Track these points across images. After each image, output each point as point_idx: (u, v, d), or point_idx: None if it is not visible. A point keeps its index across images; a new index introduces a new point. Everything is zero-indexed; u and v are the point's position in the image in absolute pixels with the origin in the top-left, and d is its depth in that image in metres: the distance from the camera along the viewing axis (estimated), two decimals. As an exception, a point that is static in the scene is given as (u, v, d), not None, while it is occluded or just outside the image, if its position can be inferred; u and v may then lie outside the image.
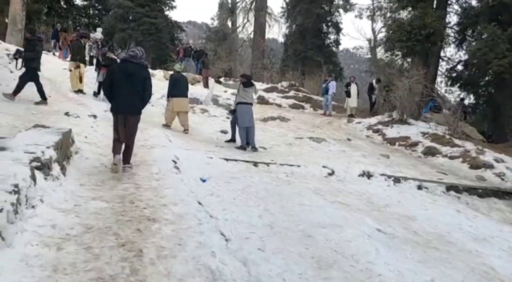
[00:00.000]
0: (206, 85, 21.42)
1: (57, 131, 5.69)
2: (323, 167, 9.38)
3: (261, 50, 29.11)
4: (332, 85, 18.78)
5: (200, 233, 3.86)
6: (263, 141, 11.53)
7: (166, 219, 4.08)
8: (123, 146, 6.35)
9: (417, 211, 7.82)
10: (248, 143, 10.14)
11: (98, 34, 23.40)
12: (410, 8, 19.99)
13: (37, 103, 9.53)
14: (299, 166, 9.14)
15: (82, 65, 12.67)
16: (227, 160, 8.49)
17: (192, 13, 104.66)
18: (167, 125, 11.41)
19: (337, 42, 29.63)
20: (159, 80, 18.77)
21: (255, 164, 8.72)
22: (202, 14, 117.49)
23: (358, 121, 17.09)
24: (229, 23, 36.46)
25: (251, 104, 10.42)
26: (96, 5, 35.65)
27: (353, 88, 18.53)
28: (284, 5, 31.05)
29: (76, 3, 34.75)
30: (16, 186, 3.46)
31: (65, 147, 5.61)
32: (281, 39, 36.79)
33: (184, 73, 24.69)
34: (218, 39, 36.80)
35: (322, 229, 5.75)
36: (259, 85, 22.77)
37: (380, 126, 15.96)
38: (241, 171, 8.07)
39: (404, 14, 22.04)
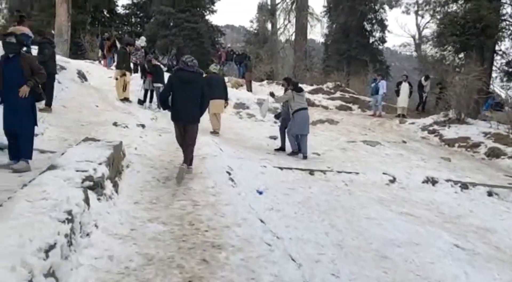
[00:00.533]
0: (249, 88, 21.06)
1: (108, 145, 5.37)
2: (383, 173, 8.73)
3: (303, 51, 28.47)
4: (382, 84, 17.90)
5: (272, 262, 3.37)
6: (315, 146, 10.96)
7: (232, 245, 3.63)
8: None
9: (493, 221, 7.08)
10: (299, 150, 9.61)
11: (142, 41, 23.50)
12: (462, 1, 18.85)
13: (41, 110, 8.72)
14: (357, 173, 8.54)
15: (127, 73, 12.53)
16: (281, 168, 8.00)
17: (229, 17, 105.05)
18: (215, 132, 10.96)
19: (382, 40, 28.57)
20: (202, 85, 18.55)
21: (311, 172, 8.18)
22: (239, 17, 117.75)
23: (411, 122, 16.19)
24: (269, 25, 36.04)
25: (307, 109, 9.92)
26: (138, 12, 36.06)
27: (404, 87, 17.60)
28: (326, 4, 30.32)
29: (118, 12, 35.28)
30: (69, 212, 3.09)
31: (116, 161, 5.28)
32: (320, 39, 36.05)
33: (226, 78, 24.60)
34: (258, 42, 36.44)
35: (397, 248, 5.15)
36: (303, 87, 22.21)
37: (436, 127, 15.01)
38: (298, 181, 7.57)
39: (454, 8, 20.91)
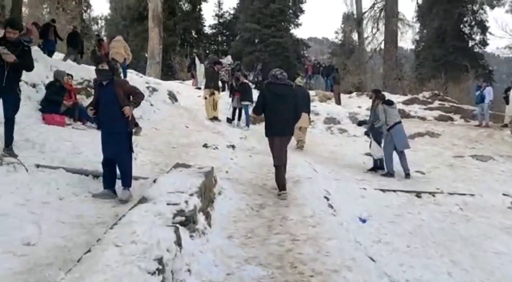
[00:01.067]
0: (338, 101, 20.29)
1: (199, 172, 5.05)
2: (504, 194, 7.61)
3: (393, 59, 27.05)
4: (488, 91, 16.18)
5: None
6: (417, 162, 9.96)
7: (345, 297, 3.03)
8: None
9: None
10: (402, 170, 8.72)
11: (228, 59, 23.81)
12: None
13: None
14: (472, 195, 7.51)
15: (216, 92, 12.48)
16: (383, 191, 7.23)
17: (311, 30, 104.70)
18: (300, 147, 10.49)
19: (483, 43, 26.22)
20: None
21: (418, 195, 7.32)
22: (321, 29, 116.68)
23: (526, 133, 14.35)
24: (355, 35, 34.97)
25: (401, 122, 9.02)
26: (224, 31, 36.95)
27: (514, 94, 15.75)
28: (417, 9, 28.69)
29: (205, 32, 36.41)
30: (160, 261, 2.72)
31: (208, 189, 4.93)
32: (410, 46, 34.09)
33: (313, 91, 24.02)
34: (344, 53, 35.51)
35: (544, 295, 4.21)
36: (395, 97, 20.93)
37: (559, 137, 13.14)
38: (404, 205, 6.75)
39: None
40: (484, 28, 25.99)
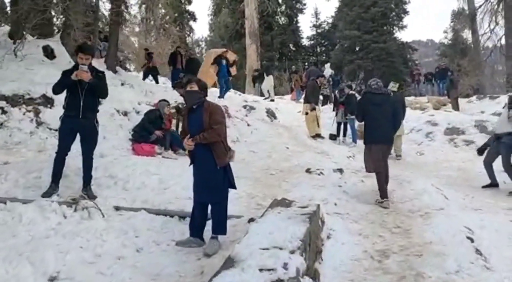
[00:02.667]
0: (456, 107, 18.00)
1: (302, 214, 3.99)
2: None
3: (518, 55, 23.62)
4: None
5: None
6: None
7: None
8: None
9: None
10: None
11: (327, 70, 22.64)
12: None
13: None
14: None
15: (317, 107, 11.41)
16: (544, 225, 5.52)
17: (414, 32, 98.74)
18: (398, 156, 9.89)
19: None
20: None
21: None
22: (425, 31, 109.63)
23: None
24: (468, 33, 31.66)
25: None
26: (323, 41, 35.84)
27: None
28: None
29: (303, 44, 35.60)
30: None
31: (314, 238, 3.85)
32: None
33: (424, 97, 21.78)
34: (456, 53, 32.37)
35: None
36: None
37: None
38: None
39: None
40: None
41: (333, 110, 12.34)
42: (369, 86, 6.47)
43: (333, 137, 11.62)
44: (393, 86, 10.15)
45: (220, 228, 4.22)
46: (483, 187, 7.67)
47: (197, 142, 4.18)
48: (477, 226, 5.06)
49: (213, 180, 4.19)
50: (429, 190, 6.36)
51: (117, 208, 4.64)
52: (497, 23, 25.69)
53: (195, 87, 4.28)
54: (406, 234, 4.71)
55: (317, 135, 11.30)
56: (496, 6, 25.69)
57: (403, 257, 4.15)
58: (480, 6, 26.88)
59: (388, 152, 6.53)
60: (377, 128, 6.12)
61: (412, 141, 11.39)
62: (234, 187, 4.41)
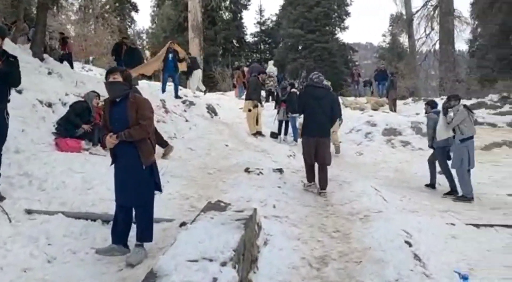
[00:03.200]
0: (394, 108, 18.51)
1: (237, 219, 3.67)
2: None
3: (451, 60, 24.79)
4: None
5: None
6: (505, 182, 8.26)
7: None
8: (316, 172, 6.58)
9: None
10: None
11: (271, 67, 22.50)
12: None
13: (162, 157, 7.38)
14: None
15: (259, 104, 11.16)
16: (477, 226, 5.58)
17: (354, 35, 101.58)
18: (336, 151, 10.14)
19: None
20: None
21: (524, 231, 5.60)
22: (364, 34, 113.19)
23: None
24: (405, 37, 32.87)
25: None
26: (266, 39, 35.79)
27: None
28: (474, 5, 26.28)
29: (247, 40, 35.36)
30: None
31: (249, 246, 3.55)
32: (463, 47, 31.36)
33: (363, 98, 22.24)
34: (393, 56, 33.56)
35: None
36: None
37: None
38: (508, 247, 5.08)
39: None
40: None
41: (275, 108, 12.15)
42: (310, 79, 6.55)
43: (274, 135, 11.42)
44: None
45: (145, 234, 3.81)
46: (426, 185, 7.80)
47: (121, 139, 3.74)
48: (415, 229, 5.00)
49: (138, 181, 3.77)
50: (368, 192, 6.26)
51: (28, 211, 4.10)
52: (432, 29, 26.88)
53: (118, 78, 3.82)
54: (345, 239, 4.53)
55: (258, 133, 11.06)
56: (432, 12, 26.82)
57: (342, 264, 3.95)
58: (417, 12, 27.99)
59: (327, 144, 6.56)
60: (315, 121, 6.31)
61: (351, 140, 11.45)
62: (160, 189, 4.02)
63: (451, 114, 7.36)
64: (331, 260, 4.05)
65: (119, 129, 3.76)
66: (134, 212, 3.88)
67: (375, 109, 18.86)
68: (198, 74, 15.64)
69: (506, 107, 16.84)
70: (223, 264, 2.84)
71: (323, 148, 6.43)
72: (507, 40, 23.20)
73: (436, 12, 26.47)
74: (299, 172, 8.04)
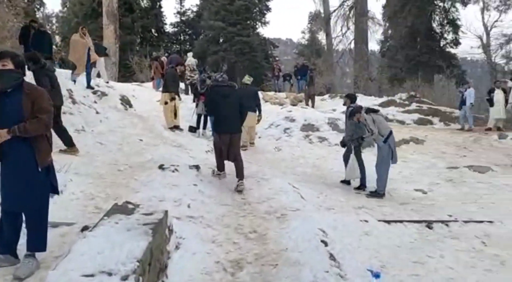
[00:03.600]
0: (311, 103, 18.94)
1: (145, 224, 3.34)
2: (529, 221, 6.26)
3: (365, 59, 25.94)
4: (469, 93, 15.20)
5: None
6: (412, 177, 8.66)
7: None
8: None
9: None
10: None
11: (191, 59, 21.99)
12: None
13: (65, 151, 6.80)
14: (491, 222, 6.11)
15: (177, 97, 10.73)
16: (388, 222, 5.72)
17: (275, 31, 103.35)
18: (243, 146, 9.56)
19: (455, 42, 25.38)
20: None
21: (429, 225, 5.84)
22: (285, 30, 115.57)
23: (515, 137, 13.30)
24: (324, 35, 33.89)
25: None
26: (187, 30, 35.00)
27: (498, 95, 14.74)
28: (386, 7, 27.68)
29: (167, 30, 34.34)
30: None
31: (158, 254, 3.24)
32: (373, 47, 32.98)
33: (283, 93, 22.53)
34: (312, 53, 34.39)
35: None
36: (370, 99, 19.73)
37: (551, 143, 12.11)
38: (418, 243, 5.26)
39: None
40: (456, 27, 25.14)
41: (194, 101, 11.78)
42: (215, 80, 7.00)
43: (192, 129, 11.06)
44: (247, 80, 10.59)
45: (37, 243, 3.35)
46: (341, 181, 7.92)
47: (15, 134, 3.24)
48: (330, 227, 4.99)
49: (31, 184, 3.30)
50: (286, 189, 6.20)
51: None
52: (348, 28, 27.94)
53: (9, 65, 3.31)
54: (262, 240, 4.38)
55: (176, 127, 10.65)
56: (348, 12, 27.84)
57: (258, 268, 3.79)
58: (334, 11, 28.90)
59: (238, 140, 6.83)
60: (224, 118, 6.59)
61: (271, 135, 11.41)
62: (56, 191, 3.57)
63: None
64: (246, 263, 3.87)
65: (9, 124, 3.26)
66: (24, 217, 3.40)
67: (294, 105, 19.15)
68: (101, 62, 14.60)
69: (413, 106, 17.90)
70: (125, 278, 2.54)
71: (234, 145, 6.67)
72: (415, 42, 24.73)
73: (352, 12, 27.53)
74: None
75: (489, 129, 14.57)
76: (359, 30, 26.40)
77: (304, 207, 5.66)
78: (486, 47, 31.67)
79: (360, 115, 7.43)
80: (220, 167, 6.82)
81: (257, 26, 30.12)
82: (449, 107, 17.73)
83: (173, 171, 6.36)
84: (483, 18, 29.62)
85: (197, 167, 6.71)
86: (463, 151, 11.97)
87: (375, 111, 7.86)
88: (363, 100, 19.64)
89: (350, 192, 7.49)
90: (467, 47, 30.52)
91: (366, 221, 5.61)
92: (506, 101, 14.94)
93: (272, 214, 5.20)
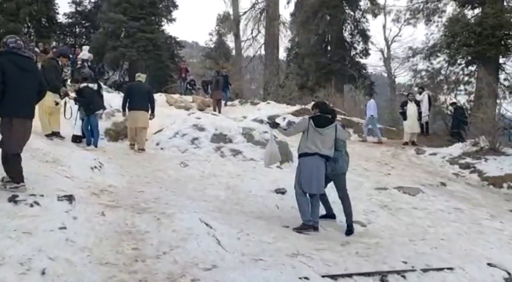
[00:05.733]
0: (218, 109, 17.48)
1: None
2: (489, 265, 5.26)
3: (276, 65, 25.04)
4: (370, 105, 14.75)
5: None
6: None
7: None
8: None
9: None
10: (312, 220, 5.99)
11: (85, 53, 19.39)
12: (472, 5, 16.03)
13: None
14: (451, 269, 4.99)
15: (57, 95, 8.54)
16: (335, 278, 4.28)
17: (180, 32, 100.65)
18: (130, 145, 9.68)
19: (365, 53, 25.49)
20: (162, 107, 14.64)
21: (384, 278, 4.53)
22: (191, 32, 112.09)
23: (431, 152, 12.94)
24: (232, 38, 32.67)
25: (328, 157, 6.07)
26: (83, 22, 31.56)
27: (411, 109, 14.43)
28: (296, 13, 27.14)
29: (59, 21, 30.62)
30: None
31: None
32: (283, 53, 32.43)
33: (189, 96, 20.74)
34: (220, 57, 32.99)
35: None
36: (282, 107, 18.70)
37: (468, 160, 11.80)
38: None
39: (450, 12, 18.30)
40: (365, 37, 25.25)
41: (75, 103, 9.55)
42: (5, 44, 4.98)
43: (77, 139, 8.91)
44: (139, 76, 10.09)
45: None
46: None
47: None
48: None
49: None
50: (197, 230, 4.49)
51: None
52: (259, 32, 26.87)
53: None
54: None
55: (54, 134, 8.45)
56: (259, 15, 26.80)
57: None
58: (245, 13, 27.71)
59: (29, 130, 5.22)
60: (21, 97, 4.93)
61: (175, 147, 9.59)
62: None
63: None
64: None
65: None
66: None
67: (201, 110, 17.56)
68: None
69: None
70: None
71: (30, 131, 5.25)
72: (326, 50, 24.37)
73: (263, 15, 26.54)
74: (103, 193, 5.88)
75: (406, 144, 14.20)
76: (270, 34, 25.46)
77: (222, 260, 4.02)
78: (387, 60, 32.72)
79: None
80: (17, 175, 4.93)
81: (162, 23, 27.90)
82: (361, 118, 17.29)
83: (31, 205, 4.33)
84: (384, 32, 30.47)
85: (69, 198, 4.70)
86: (385, 167, 11.22)
87: (324, 123, 6.22)
88: (275, 108, 18.62)
89: (273, 223, 5.97)
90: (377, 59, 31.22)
91: (306, 278, 4.12)
92: (419, 114, 14.71)
93: (177, 280, 3.47)
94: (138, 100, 9.48)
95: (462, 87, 17.94)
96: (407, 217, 6.95)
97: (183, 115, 11.80)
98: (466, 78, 17.56)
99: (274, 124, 6.70)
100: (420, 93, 15.77)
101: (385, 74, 27.54)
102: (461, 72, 17.80)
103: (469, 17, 16.26)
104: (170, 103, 17.55)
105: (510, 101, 17.28)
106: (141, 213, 4.72)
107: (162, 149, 9.56)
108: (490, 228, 6.85)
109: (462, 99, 17.05)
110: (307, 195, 5.96)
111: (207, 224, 4.80)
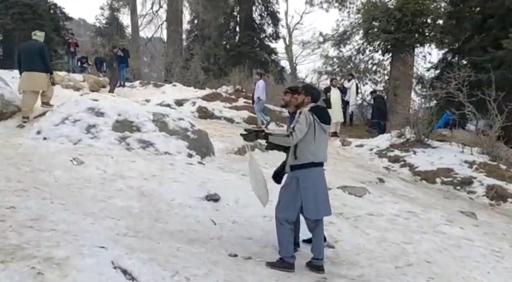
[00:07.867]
0: (112, 89, 15.17)
1: None
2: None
3: (180, 44, 22.82)
4: (258, 86, 13.30)
5: None
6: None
7: None
8: None
9: None
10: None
11: None
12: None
13: None
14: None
15: None
16: None
17: (65, 8, 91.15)
18: (23, 118, 8.59)
19: (275, 36, 24.27)
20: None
21: None
22: (77, 9, 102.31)
23: (358, 144, 12.06)
24: (128, 13, 29.64)
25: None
26: None
27: (335, 95, 13.47)
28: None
29: None
30: None
31: None
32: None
33: (79, 74, 17.80)
34: (113, 33, 29.80)
35: None
36: (191, 90, 16.74)
37: (397, 152, 11.08)
38: None
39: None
40: (276, 20, 24.02)
41: None
42: None
43: None
44: (35, 35, 9.43)
45: None
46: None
47: None
48: None
49: None
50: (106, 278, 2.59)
51: None
52: (161, 6, 24.34)
53: None
54: None
55: None
56: (161, -12, 24.27)
57: None
58: (144, -15, 24.96)
59: None
60: None
61: (64, 137, 7.23)
62: None
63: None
64: None
65: None
66: None
67: (95, 91, 15.06)
68: None
69: (241, 102, 15.60)
70: None
71: None
72: (235, 32, 22.78)
73: (165, -12, 24.08)
74: None
75: (335, 133, 13.14)
76: (172, 10, 23.04)
77: None
78: (288, 47, 32.29)
79: None
80: None
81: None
82: (277, 106, 16.03)
83: None
84: (286, 19, 29.82)
85: None
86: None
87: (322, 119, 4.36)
88: (182, 91, 16.58)
89: (215, 251, 4.21)
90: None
91: None
92: (343, 102, 13.81)
93: None
94: (28, 60, 8.81)
95: (376, 76, 17.59)
96: (372, 229, 5.62)
97: (73, 96, 9.36)
98: (378, 67, 17.18)
99: (257, 135, 4.37)
100: (349, 80, 14.90)
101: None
102: (373, 60, 17.39)
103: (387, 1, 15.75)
104: (55, 82, 14.68)
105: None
106: (7, 262, 2.66)
107: (45, 139, 7.17)
108: (460, 238, 5.80)
109: (377, 88, 16.61)
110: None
111: (125, 272, 2.90)
